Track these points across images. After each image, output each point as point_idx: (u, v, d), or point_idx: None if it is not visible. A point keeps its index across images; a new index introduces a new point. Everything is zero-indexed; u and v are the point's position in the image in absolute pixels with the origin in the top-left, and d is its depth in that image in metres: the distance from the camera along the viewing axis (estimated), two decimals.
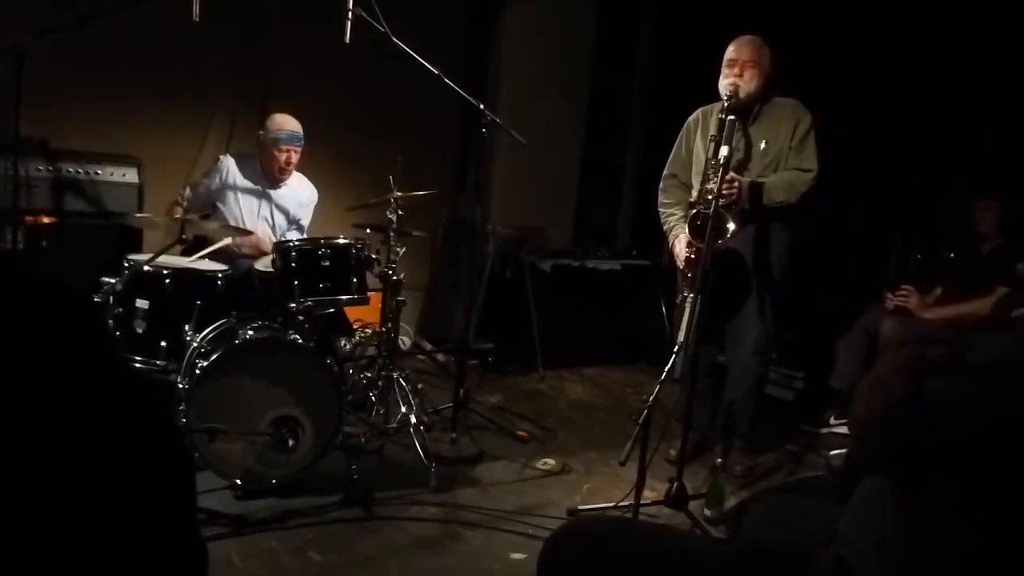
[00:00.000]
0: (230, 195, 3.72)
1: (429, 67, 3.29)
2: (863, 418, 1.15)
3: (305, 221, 3.90)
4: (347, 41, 3.17)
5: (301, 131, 3.66)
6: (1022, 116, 3.87)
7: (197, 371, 2.78)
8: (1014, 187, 3.77)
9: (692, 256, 3.13)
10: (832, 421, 4.08)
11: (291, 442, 2.85)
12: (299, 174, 3.84)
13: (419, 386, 3.74)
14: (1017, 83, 3.87)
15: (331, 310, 3.40)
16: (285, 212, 3.82)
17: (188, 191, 3.78)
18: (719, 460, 3.13)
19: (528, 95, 5.16)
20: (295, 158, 3.69)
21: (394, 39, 3.20)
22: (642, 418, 2.56)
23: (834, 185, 3.23)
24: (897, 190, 4.46)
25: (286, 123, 3.64)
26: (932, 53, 4.15)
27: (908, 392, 1.09)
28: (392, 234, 3.41)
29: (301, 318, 3.16)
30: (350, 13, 3.16)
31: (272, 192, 3.77)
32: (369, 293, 3.27)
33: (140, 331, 3.03)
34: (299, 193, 3.84)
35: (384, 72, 4.17)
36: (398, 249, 3.43)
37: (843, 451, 3.07)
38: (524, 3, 5.16)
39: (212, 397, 2.76)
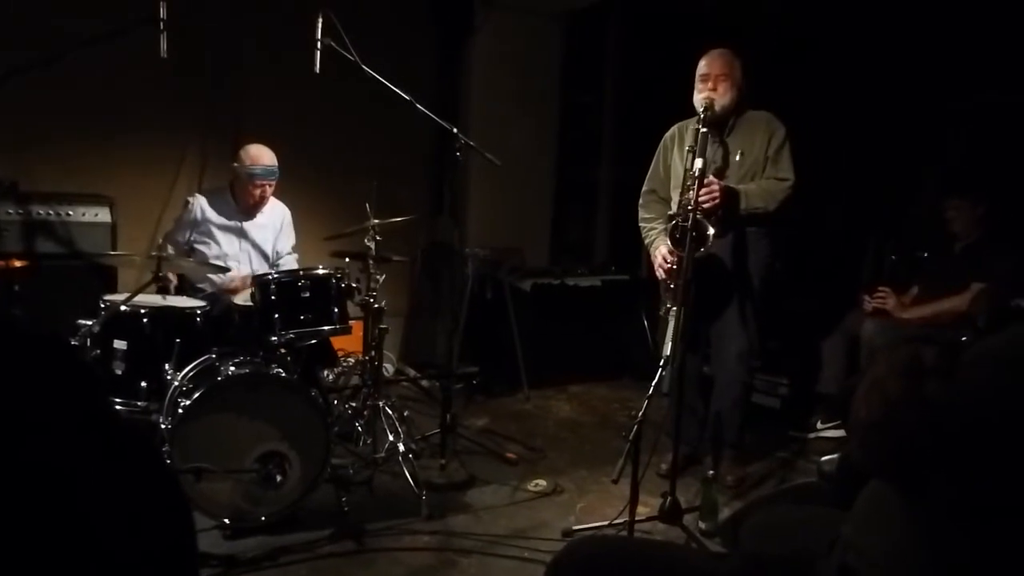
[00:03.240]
0: (209, 235, 3.68)
1: (400, 93, 3.29)
2: (864, 421, 1.14)
3: (289, 243, 3.89)
4: (317, 71, 3.16)
5: (276, 164, 3.64)
6: (987, 118, 3.92)
7: (179, 410, 2.73)
8: (983, 188, 3.82)
9: (674, 267, 3.13)
10: (819, 426, 4.08)
11: (279, 478, 2.80)
12: (271, 198, 3.81)
13: (405, 413, 3.71)
14: (981, 86, 3.93)
15: (313, 341, 3.36)
16: (266, 241, 3.78)
17: (169, 247, 3.71)
18: (711, 472, 3.12)
19: (500, 117, 5.18)
20: (270, 191, 3.67)
21: (364, 67, 3.19)
22: (632, 434, 2.54)
23: (807, 190, 3.25)
24: (869, 193, 4.51)
25: (261, 157, 3.60)
26: (898, 57, 4.21)
27: (908, 393, 1.09)
28: (371, 262, 3.40)
29: (283, 351, 3.12)
30: (319, 43, 3.15)
31: (248, 224, 3.73)
32: (351, 322, 3.26)
33: (119, 372, 2.96)
34: (274, 218, 3.83)
35: (356, 100, 4.17)
36: (378, 276, 3.42)
37: (834, 456, 3.07)
38: (491, 26, 5.19)
39: (196, 436, 2.71)
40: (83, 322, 2.94)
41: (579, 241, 5.89)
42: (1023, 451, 1.03)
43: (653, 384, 2.67)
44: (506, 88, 5.28)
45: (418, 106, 3.33)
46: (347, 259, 3.55)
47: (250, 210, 3.71)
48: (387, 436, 3.33)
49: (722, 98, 3.14)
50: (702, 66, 3.20)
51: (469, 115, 5.16)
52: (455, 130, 3.41)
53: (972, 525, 1.09)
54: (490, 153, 3.47)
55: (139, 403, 2.96)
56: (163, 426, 2.79)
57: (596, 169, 5.92)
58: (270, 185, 3.64)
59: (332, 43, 3.16)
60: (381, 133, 4.68)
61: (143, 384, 2.97)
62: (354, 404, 3.67)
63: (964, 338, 3.20)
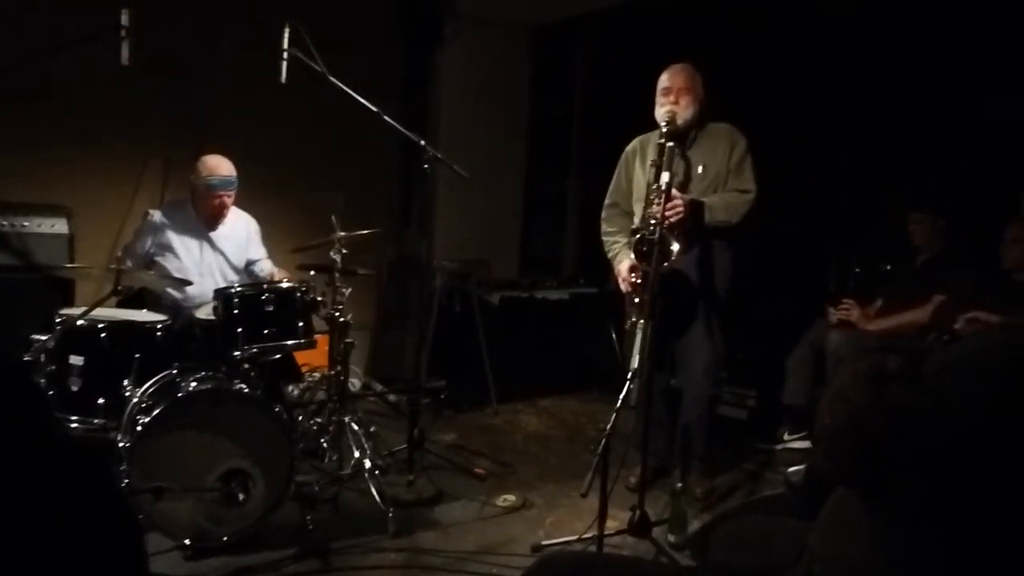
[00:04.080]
0: (168, 250, 3.59)
1: (367, 104, 3.28)
2: (829, 428, 1.15)
3: (260, 252, 3.85)
4: (283, 81, 3.14)
5: (234, 174, 3.57)
6: (949, 131, 4.00)
7: (138, 428, 2.67)
8: (945, 201, 3.89)
9: (638, 281, 3.14)
10: (786, 437, 4.12)
11: (241, 496, 2.76)
12: (233, 208, 3.75)
13: (372, 429, 3.68)
14: (942, 99, 4.00)
15: (277, 356, 3.32)
16: (232, 253, 3.73)
17: (128, 261, 3.64)
18: (679, 484, 3.12)
19: (468, 129, 5.18)
20: (229, 202, 3.61)
21: (331, 78, 3.18)
22: (600, 447, 2.54)
23: (771, 202, 3.28)
24: (833, 205, 4.57)
25: (218, 167, 3.55)
26: (861, 68, 4.28)
27: (871, 400, 1.10)
28: (337, 274, 3.38)
29: (246, 366, 3.08)
30: (285, 53, 3.13)
31: (212, 236, 3.68)
32: (316, 336, 3.22)
33: (75, 389, 2.88)
34: (238, 229, 3.77)
35: (323, 111, 4.15)
36: (344, 290, 3.40)
37: (801, 467, 3.10)
38: (461, 39, 5.20)
39: (155, 454, 2.65)
40: (38, 337, 2.87)
41: (548, 254, 5.91)
42: (985, 458, 1.05)
43: (621, 397, 2.66)
44: (475, 100, 5.29)
45: (385, 117, 3.32)
46: (313, 272, 3.52)
47: (211, 221, 3.65)
48: (353, 452, 3.29)
49: (684, 111, 3.18)
50: (664, 80, 3.24)
51: (438, 127, 5.16)
52: (423, 142, 3.41)
53: (937, 532, 1.10)
54: (458, 165, 3.47)
55: (96, 421, 2.88)
56: (121, 444, 2.72)
57: (565, 181, 5.95)
58: (229, 196, 3.59)
59: (299, 53, 3.14)
60: (348, 145, 4.65)
61: (100, 401, 2.89)
62: (319, 420, 3.63)
63: (928, 347, 3.25)
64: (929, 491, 1.09)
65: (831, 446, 1.16)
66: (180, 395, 2.75)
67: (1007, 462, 1.06)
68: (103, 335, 2.92)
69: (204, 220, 3.65)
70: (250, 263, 3.83)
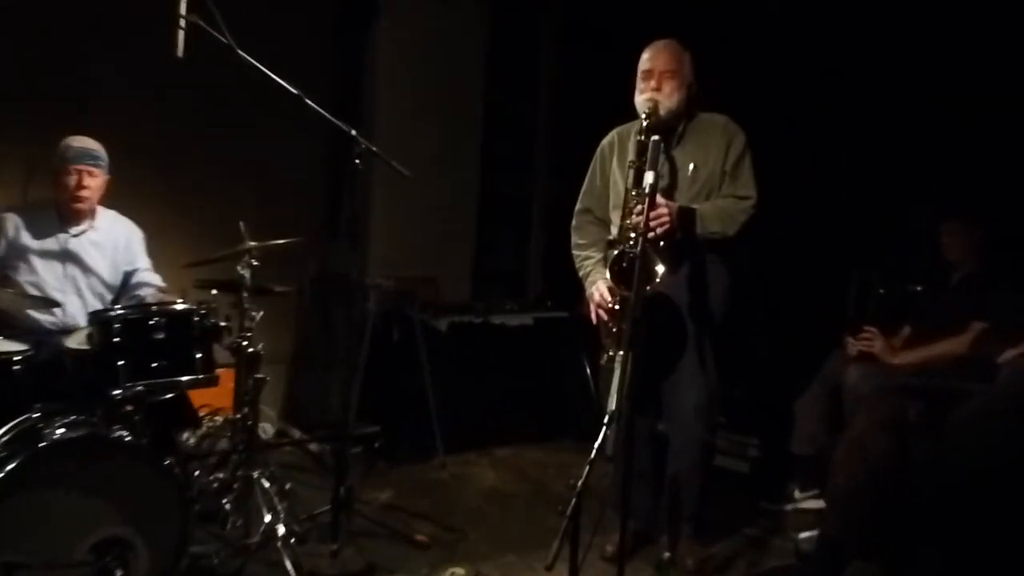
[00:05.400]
0: (23, 260, 3.51)
1: (285, 85, 3.25)
2: (842, 487, 1.15)
3: (143, 263, 3.81)
4: (179, 55, 3.10)
5: (100, 151, 3.54)
6: (986, 129, 4.08)
7: None
8: (983, 207, 3.96)
9: (616, 307, 3.15)
10: (797, 495, 4.15)
11: (120, 572, 2.69)
12: (110, 211, 3.71)
13: (287, 486, 3.63)
14: (979, 91, 4.09)
15: (169, 395, 3.27)
16: (105, 265, 3.66)
17: None
18: (667, 554, 3.13)
19: (410, 118, 5.19)
20: (91, 182, 3.54)
21: (239, 52, 3.15)
22: (570, 508, 2.53)
23: (776, 211, 3.32)
24: (850, 214, 4.64)
25: (77, 139, 3.53)
26: (888, 52, 4.37)
27: (890, 452, 1.11)
28: (246, 294, 3.35)
29: (129, 408, 3.03)
30: (182, 21, 3.09)
31: (75, 243, 3.60)
32: (218, 371, 3.21)
33: None
34: (114, 236, 3.72)
35: (230, 96, 4.12)
36: (254, 313, 3.37)
37: (814, 533, 3.12)
38: (400, 10, 5.22)
39: (10, 519, 2.58)
40: None
41: (508, 271, 5.92)
42: (1018, 516, 1.06)
43: (596, 446, 2.66)
44: (418, 84, 5.30)
45: (307, 101, 3.29)
46: (214, 291, 3.47)
47: (72, 216, 3.58)
48: (263, 515, 3.25)
49: (668, 99, 3.21)
50: (644, 61, 3.27)
51: (373, 115, 5.16)
52: (354, 132, 3.39)
53: None
54: (398, 162, 3.47)
55: None
56: None
57: (529, 183, 5.97)
58: (89, 173, 3.52)
59: (200, 21, 3.11)
60: (262, 136, 4.63)
61: None
62: (221, 475, 3.57)
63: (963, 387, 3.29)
64: (955, 558, 1.10)
65: (845, 509, 1.16)
66: (43, 444, 2.68)
67: None
68: None
69: (65, 217, 3.58)
70: (131, 278, 3.77)
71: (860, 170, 4.59)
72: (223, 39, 3.11)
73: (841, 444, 1.17)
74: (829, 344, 4.29)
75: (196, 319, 3.12)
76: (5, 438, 2.78)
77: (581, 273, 3.48)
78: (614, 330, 3.14)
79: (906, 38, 4.27)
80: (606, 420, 2.77)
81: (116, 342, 2.97)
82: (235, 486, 3.42)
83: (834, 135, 4.58)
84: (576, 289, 3.62)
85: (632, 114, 3.31)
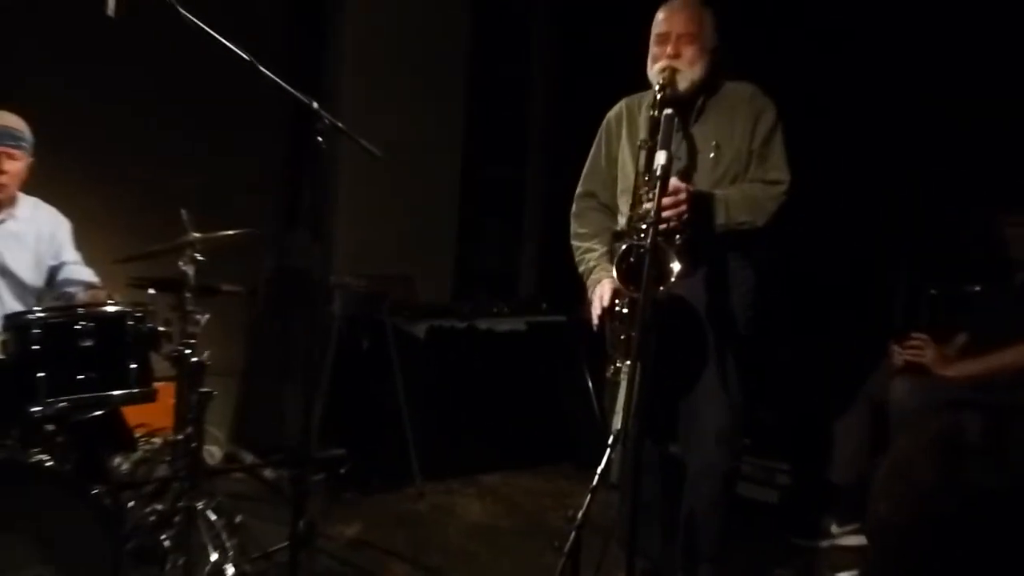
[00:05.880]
0: None
1: (236, 51, 3.24)
2: (884, 519, 1.15)
3: (71, 256, 3.80)
4: (110, 13, 3.08)
5: (23, 129, 3.54)
6: None
7: None
8: None
9: (624, 310, 3.14)
10: (835, 530, 4.15)
11: None
12: (31, 199, 3.71)
13: (237, 519, 3.62)
14: None
15: (98, 413, 3.27)
16: (26, 260, 3.66)
17: None
18: None
19: (383, 92, 5.19)
20: (11, 166, 3.53)
21: (181, 11, 3.14)
22: (568, 544, 2.53)
23: (811, 198, 3.32)
24: (900, 205, 4.64)
25: None
26: (946, 20, 4.37)
27: (942, 478, 1.10)
28: (189, 294, 3.34)
29: (51, 428, 3.03)
30: None
31: None
32: (156, 384, 3.22)
33: None
34: (38, 226, 3.72)
35: (173, 64, 4.11)
36: (198, 316, 3.36)
37: (854, 573, 3.12)
38: None
39: None
40: None
41: (496, 267, 5.91)
42: None
43: (599, 473, 2.66)
44: (393, 53, 5.31)
45: (261, 68, 3.28)
46: (152, 290, 3.47)
47: None
48: (209, 553, 3.24)
49: (688, 68, 3.19)
50: (659, 22, 3.25)
51: (340, 88, 5.18)
52: (315, 105, 3.38)
53: None
54: (369, 141, 3.46)
55: None
56: None
57: (521, 167, 5.97)
58: (10, 156, 3.52)
59: None
60: (208, 113, 4.63)
61: None
62: (160, 507, 3.55)
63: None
64: None
65: (889, 545, 1.16)
66: None
67: None
68: None
69: None
70: (58, 274, 3.77)
71: (909, 151, 4.58)
72: None
73: (883, 468, 1.16)
74: (873, 354, 4.29)
75: (130, 323, 3.12)
76: None
77: (582, 269, 3.46)
78: (621, 337, 3.13)
79: (975, 15, 4.28)
80: (611, 442, 2.77)
81: (35, 350, 2.96)
82: (176, 519, 3.39)
83: (880, 108, 4.57)
84: (576, 289, 3.61)
85: (644, 85, 3.30)
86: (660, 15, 3.27)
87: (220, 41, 3.21)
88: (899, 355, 4.09)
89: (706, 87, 3.27)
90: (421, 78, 5.43)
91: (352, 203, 5.19)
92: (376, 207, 5.21)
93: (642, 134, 3.19)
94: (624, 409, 2.85)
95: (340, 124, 3.43)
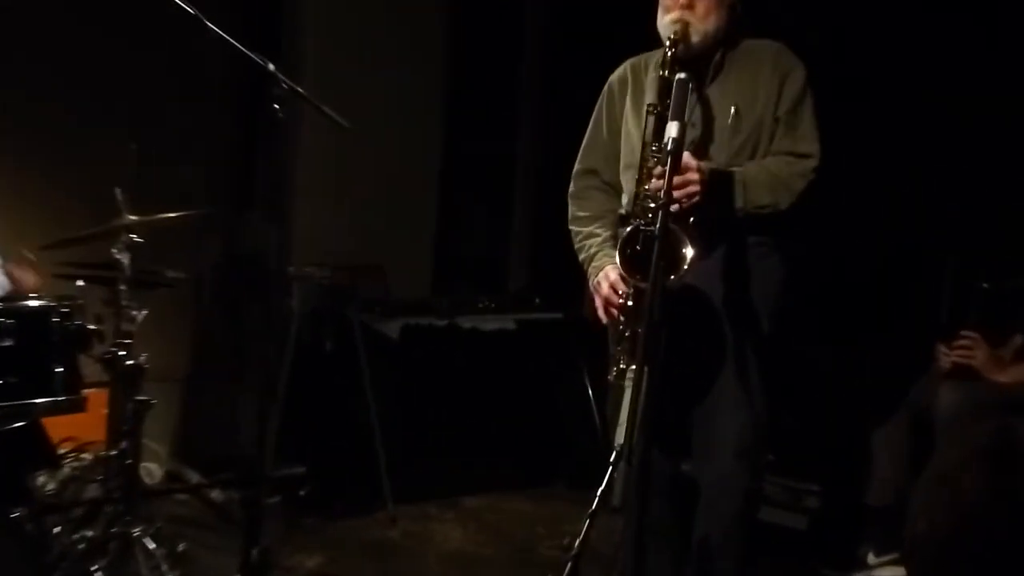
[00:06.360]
0: None
1: (180, 3, 3.24)
2: (925, 537, 1.15)
3: None
4: None
5: None
6: None
7: None
8: None
9: (629, 303, 3.15)
10: (872, 559, 4.17)
11: None
12: None
13: (180, 547, 3.63)
14: None
15: (18, 424, 3.26)
16: None
17: None
18: None
19: (351, 56, 5.19)
20: None
21: None
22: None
23: (843, 176, 3.32)
24: (949, 186, 4.65)
25: None
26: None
27: (993, 491, 1.11)
28: (124, 287, 3.34)
29: None
30: None
31: None
32: (85, 392, 3.23)
33: None
34: None
35: (104, 16, 4.08)
36: (135, 312, 3.37)
37: None
38: None
39: None
40: None
41: (481, 256, 5.91)
42: None
43: (599, 494, 2.67)
44: (363, 12, 5.30)
45: (209, 25, 3.28)
46: (80, 282, 3.47)
47: None
48: None
49: (702, 21, 3.19)
50: None
51: (302, 48, 5.17)
52: (272, 67, 3.38)
53: None
54: (333, 108, 3.46)
55: None
56: None
57: (510, 141, 5.97)
58: None
59: None
60: (148, 76, 4.63)
61: None
62: (90, 533, 3.55)
63: None
64: None
65: (928, 563, 1.16)
66: None
67: None
68: None
69: None
70: None
71: (961, 123, 4.58)
72: None
73: (926, 478, 1.17)
74: (916, 357, 4.31)
75: (55, 320, 3.13)
76: None
77: (582, 257, 3.46)
78: (626, 335, 3.13)
79: None
80: (613, 458, 2.78)
81: None
82: (109, 548, 3.41)
83: (928, 77, 4.58)
84: (575, 281, 3.62)
85: (652, 45, 3.31)
86: None
87: None
88: (946, 357, 4.10)
89: (724, 42, 3.27)
90: (395, 37, 5.42)
91: (314, 181, 5.19)
92: (342, 186, 5.21)
93: (649, 97, 3.19)
94: (629, 419, 2.86)
95: (300, 89, 3.43)
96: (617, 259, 3.10)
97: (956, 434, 1.13)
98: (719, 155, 3.23)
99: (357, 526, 4.57)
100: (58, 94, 4.58)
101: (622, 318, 3.19)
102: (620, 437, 2.85)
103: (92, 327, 3.28)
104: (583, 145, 3.55)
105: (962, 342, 4.07)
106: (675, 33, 3.13)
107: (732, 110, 3.25)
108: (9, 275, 3.62)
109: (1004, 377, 3.96)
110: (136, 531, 3.34)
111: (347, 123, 3.46)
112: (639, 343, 2.90)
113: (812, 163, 3.22)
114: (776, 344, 3.38)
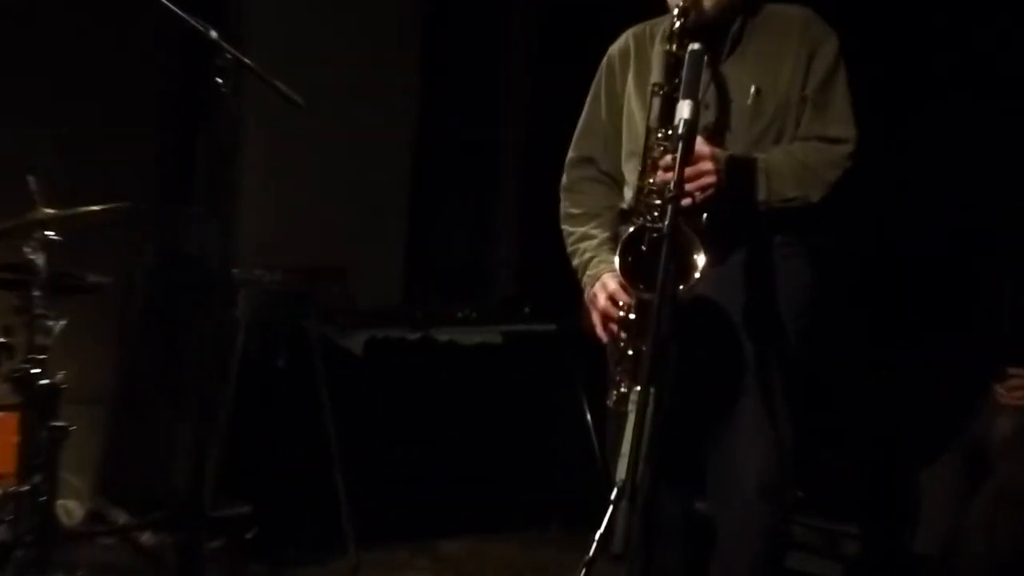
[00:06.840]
0: None
1: None
2: (983, 558, 1.16)
3: None
4: None
5: None
6: None
7: None
8: None
9: (631, 316, 3.14)
10: None
11: None
12: None
13: None
14: None
15: None
16: None
17: None
18: None
19: (308, 23, 5.20)
20: None
21: None
22: None
23: (890, 172, 3.32)
24: (1008, 183, 4.65)
25: None
26: None
27: None
28: (38, 292, 3.34)
29: None
30: None
31: None
32: None
33: None
34: None
35: None
36: (51, 323, 3.36)
37: None
38: None
39: None
40: None
41: (461, 259, 5.92)
42: None
43: (598, 536, 2.66)
44: None
45: None
46: None
47: None
48: None
49: None
50: None
51: (251, 16, 5.18)
52: (214, 35, 3.37)
53: None
54: (288, 85, 3.46)
55: None
56: None
57: (494, 127, 5.98)
58: None
59: None
60: (67, 42, 4.63)
61: None
62: None
63: None
64: None
65: None
66: None
67: None
68: None
69: None
70: None
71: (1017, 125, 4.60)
72: None
73: (985, 498, 1.17)
74: (970, 380, 4.30)
75: None
76: None
77: (575, 263, 3.45)
78: (629, 352, 3.12)
79: None
80: (614, 495, 2.76)
81: None
82: None
83: (979, 70, 4.59)
84: (570, 286, 3.61)
85: (657, 11, 3.30)
86: None
87: None
88: (1003, 396, 4.08)
89: (742, 7, 3.26)
90: (363, 4, 5.43)
91: (265, 170, 5.20)
92: (297, 176, 5.21)
93: (655, 75, 3.18)
94: (631, 451, 2.85)
95: (248, 61, 3.42)
96: (617, 265, 3.08)
97: (1019, 454, 1.14)
98: (737, 143, 3.21)
99: (314, 574, 4.57)
100: None
101: (623, 335, 3.17)
102: (622, 471, 2.84)
103: (1, 340, 3.26)
104: (578, 129, 3.53)
105: (1012, 381, 4.06)
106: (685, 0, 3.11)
107: (752, 90, 3.23)
108: None
109: None
110: None
111: (302, 101, 3.45)
112: (643, 363, 2.89)
113: (847, 149, 3.20)
114: (804, 362, 3.37)
